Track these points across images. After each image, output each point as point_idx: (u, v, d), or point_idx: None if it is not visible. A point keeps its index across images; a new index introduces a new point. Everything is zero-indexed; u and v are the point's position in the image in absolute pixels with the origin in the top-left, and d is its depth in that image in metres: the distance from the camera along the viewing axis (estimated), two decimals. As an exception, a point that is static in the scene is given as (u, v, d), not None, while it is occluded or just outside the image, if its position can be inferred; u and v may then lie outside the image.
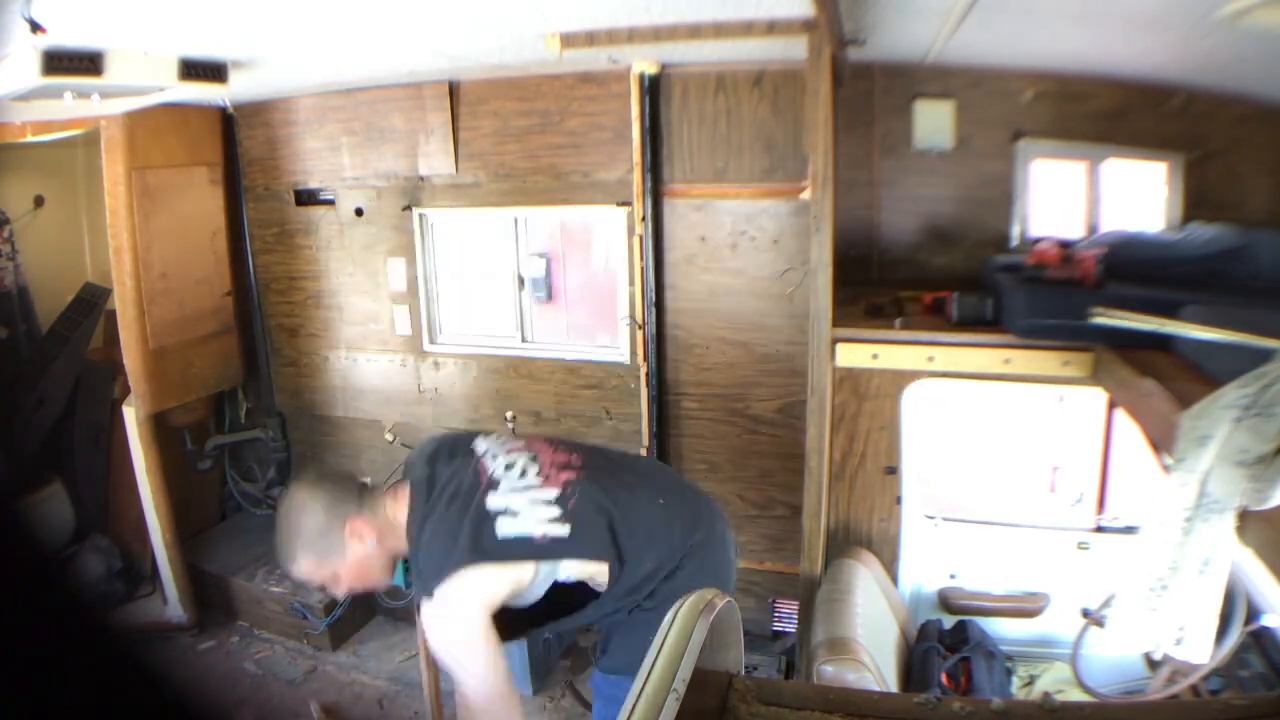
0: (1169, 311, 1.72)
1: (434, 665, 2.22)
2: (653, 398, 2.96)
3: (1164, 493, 1.24)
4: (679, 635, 0.54)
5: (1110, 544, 2.41)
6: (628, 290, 2.99)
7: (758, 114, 2.68)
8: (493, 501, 1.52)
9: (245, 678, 3.12)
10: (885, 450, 2.41)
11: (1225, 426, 1.16)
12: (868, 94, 2.71)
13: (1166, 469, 1.35)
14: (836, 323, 2.39)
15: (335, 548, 1.54)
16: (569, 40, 2.22)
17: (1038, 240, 2.29)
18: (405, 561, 3.25)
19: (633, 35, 2.19)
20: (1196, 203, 2.48)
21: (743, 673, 0.63)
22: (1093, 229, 2.61)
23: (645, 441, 3.01)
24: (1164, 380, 1.61)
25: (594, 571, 1.58)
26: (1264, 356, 1.25)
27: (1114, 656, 2.13)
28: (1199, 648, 1.23)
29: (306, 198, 3.42)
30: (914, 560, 2.50)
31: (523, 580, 1.52)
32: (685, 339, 2.95)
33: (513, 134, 3.01)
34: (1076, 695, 2.10)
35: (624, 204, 2.90)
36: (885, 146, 2.73)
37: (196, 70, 2.33)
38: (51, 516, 3.30)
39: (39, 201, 3.60)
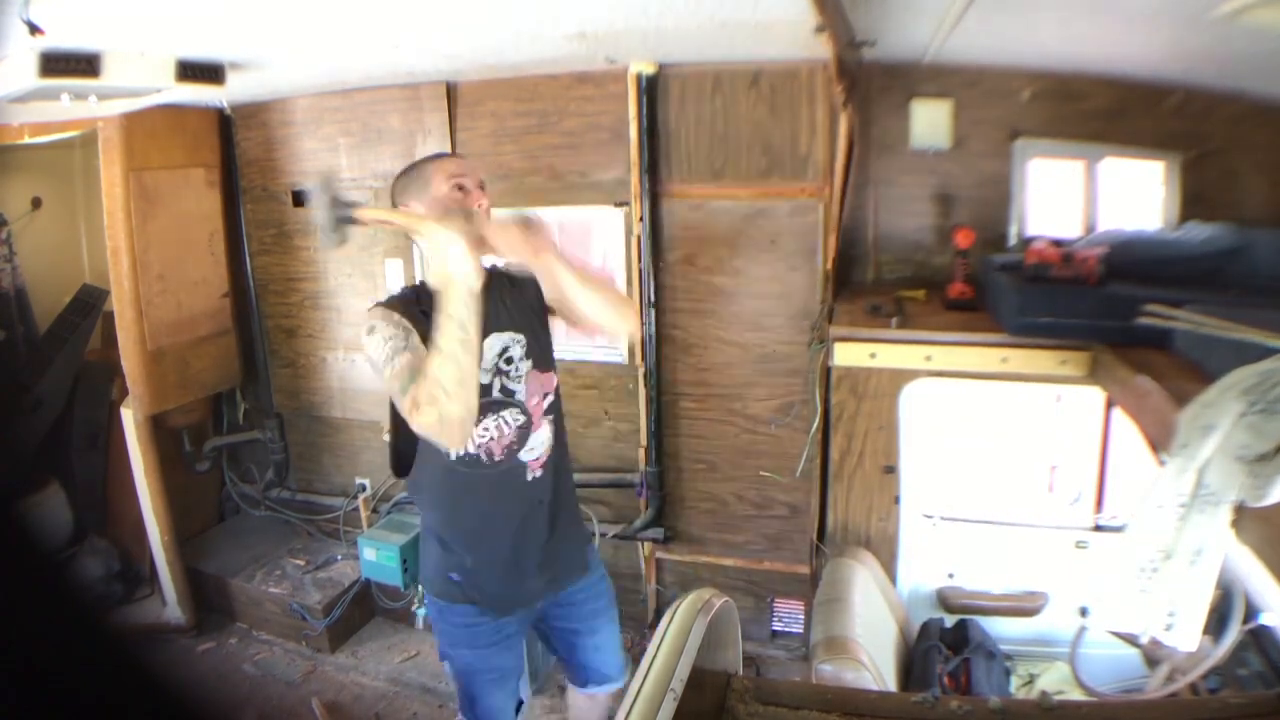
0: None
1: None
2: (651, 398, 2.96)
3: (1161, 478, 1.24)
4: (677, 635, 0.54)
5: (1109, 543, 2.41)
6: (625, 290, 2.98)
7: (755, 114, 2.68)
8: None
9: (244, 679, 3.11)
10: (883, 449, 2.41)
11: (1229, 419, 1.15)
12: (865, 94, 2.72)
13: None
14: (834, 322, 2.40)
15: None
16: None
17: (1031, 239, 2.29)
18: (404, 563, 3.25)
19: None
20: (1194, 201, 2.48)
21: (740, 671, 0.63)
22: (1090, 228, 2.62)
23: (644, 441, 3.01)
24: (1162, 379, 1.62)
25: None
26: (1267, 356, 1.25)
27: (1113, 655, 2.13)
28: (1189, 635, 1.23)
29: (304, 199, 3.42)
30: (912, 559, 2.51)
31: None
32: (683, 339, 2.95)
33: (510, 134, 3.00)
34: (1076, 694, 2.11)
35: (621, 204, 2.90)
36: (883, 146, 2.74)
37: (193, 71, 2.33)
38: (49, 518, 3.30)
39: (36, 203, 3.60)
